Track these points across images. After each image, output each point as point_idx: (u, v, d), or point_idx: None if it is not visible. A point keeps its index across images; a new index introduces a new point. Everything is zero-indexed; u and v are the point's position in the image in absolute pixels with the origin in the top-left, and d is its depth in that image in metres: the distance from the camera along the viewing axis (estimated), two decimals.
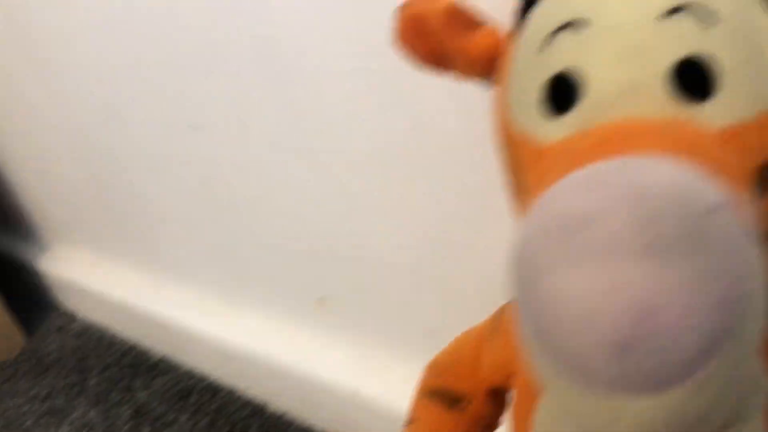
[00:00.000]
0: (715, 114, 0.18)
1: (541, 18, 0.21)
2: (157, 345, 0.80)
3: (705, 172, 0.16)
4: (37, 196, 0.91)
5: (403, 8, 0.27)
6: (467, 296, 0.44)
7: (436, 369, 0.34)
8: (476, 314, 0.41)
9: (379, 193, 0.45)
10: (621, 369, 0.15)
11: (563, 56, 0.20)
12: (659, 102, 0.19)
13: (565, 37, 0.20)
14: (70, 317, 0.96)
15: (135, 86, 0.60)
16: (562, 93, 0.20)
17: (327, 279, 0.54)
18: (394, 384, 0.53)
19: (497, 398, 0.31)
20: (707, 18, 0.18)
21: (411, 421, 0.34)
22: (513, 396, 0.29)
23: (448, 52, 0.26)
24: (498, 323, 0.31)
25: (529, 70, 0.21)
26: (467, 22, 0.26)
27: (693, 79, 0.18)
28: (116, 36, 0.58)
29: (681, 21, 0.18)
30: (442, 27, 0.25)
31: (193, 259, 0.68)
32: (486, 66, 0.26)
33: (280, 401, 0.65)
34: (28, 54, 0.70)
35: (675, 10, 0.19)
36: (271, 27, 0.45)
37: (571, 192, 0.16)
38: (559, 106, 0.20)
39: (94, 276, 0.87)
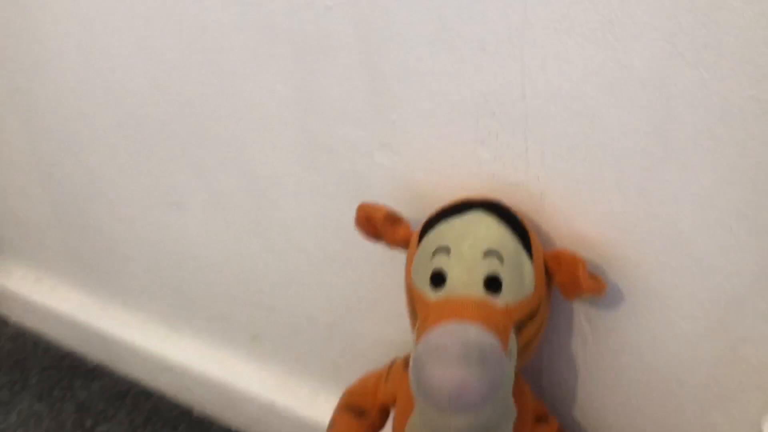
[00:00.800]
0: (500, 301, 0.44)
1: (430, 241, 0.46)
2: (95, 353, 0.97)
3: (491, 330, 0.42)
4: None
5: (359, 209, 0.51)
6: (363, 348, 0.68)
7: (349, 394, 0.57)
8: (367, 362, 0.67)
9: (309, 266, 0.68)
10: (451, 407, 0.40)
11: (439, 263, 0.45)
12: (478, 293, 0.44)
13: (440, 253, 0.45)
14: (2, 322, 1.10)
15: (111, 146, 0.78)
16: (437, 278, 0.45)
17: (263, 322, 0.76)
18: (303, 399, 0.76)
19: (385, 414, 0.56)
20: (501, 258, 0.44)
21: (331, 427, 0.57)
22: (394, 414, 0.54)
23: (383, 235, 0.51)
24: (389, 373, 0.55)
25: (424, 264, 0.46)
26: (394, 220, 0.51)
27: (493, 283, 0.44)
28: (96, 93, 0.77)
29: (490, 259, 0.44)
30: (380, 223, 0.50)
31: (146, 292, 0.88)
32: (402, 245, 0.51)
33: (205, 407, 0.86)
34: (6, 86, 0.84)
35: (488, 253, 0.44)
36: (240, 129, 0.67)
37: (436, 336, 0.41)
38: (436, 284, 0.45)
39: (37, 290, 1.02)
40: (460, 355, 0.40)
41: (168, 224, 0.77)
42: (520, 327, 0.44)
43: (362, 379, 0.58)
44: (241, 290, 0.76)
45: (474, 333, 0.41)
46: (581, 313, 0.52)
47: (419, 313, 0.47)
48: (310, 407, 0.76)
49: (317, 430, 0.75)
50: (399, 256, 0.53)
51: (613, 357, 0.52)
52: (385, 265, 0.62)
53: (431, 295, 0.45)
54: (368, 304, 0.67)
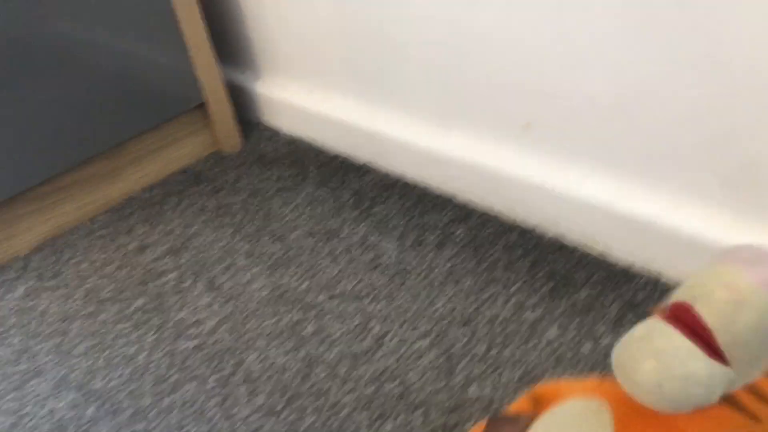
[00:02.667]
0: None
1: None
2: (363, 152, 1.11)
3: None
4: (265, 29, 1.20)
5: None
6: (645, 128, 0.74)
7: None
8: (645, 141, 0.73)
9: (594, 43, 0.74)
10: None
11: None
12: None
13: None
14: (276, 132, 1.27)
15: None
16: None
17: (538, 109, 0.84)
18: (572, 181, 0.85)
19: None
20: None
21: None
22: None
23: None
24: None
25: None
26: None
27: None
28: None
29: None
30: None
31: (418, 91, 0.98)
32: None
33: (467, 194, 0.97)
34: None
35: None
36: None
37: None
38: None
39: (309, 100, 1.17)
40: None
41: (458, 21, 0.86)
42: None
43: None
44: (520, 79, 0.84)
45: None
46: None
47: None
48: (577, 189, 0.84)
49: (580, 207, 0.83)
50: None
51: None
52: (688, 37, 0.66)
53: None
54: (655, 80, 0.72)
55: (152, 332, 0.87)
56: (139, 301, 0.93)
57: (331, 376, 0.76)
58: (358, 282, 0.88)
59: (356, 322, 0.82)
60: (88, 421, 0.77)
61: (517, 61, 0.83)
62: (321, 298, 0.87)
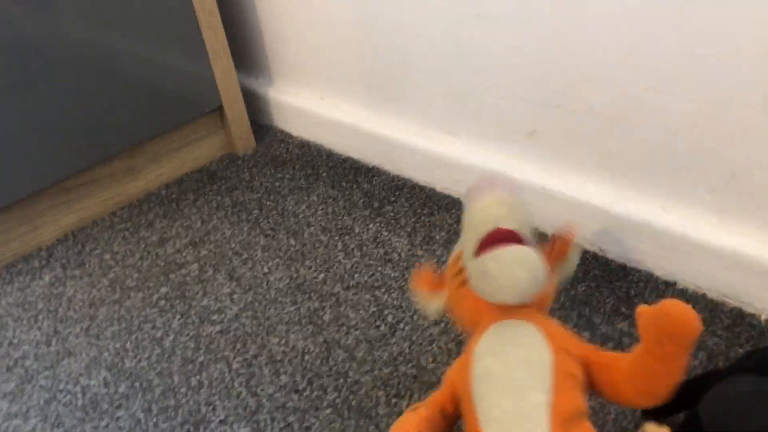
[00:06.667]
0: None
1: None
2: (372, 156, 1.18)
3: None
4: (279, 38, 1.26)
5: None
6: (641, 139, 0.82)
7: None
8: (642, 150, 0.80)
9: (596, 59, 0.82)
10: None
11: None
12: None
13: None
14: (287, 135, 1.33)
15: None
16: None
17: (542, 118, 0.92)
18: (573, 184, 0.92)
19: None
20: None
21: None
22: None
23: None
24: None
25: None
26: None
27: None
28: None
29: None
30: None
31: (427, 101, 1.05)
32: None
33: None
34: None
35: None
36: None
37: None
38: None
39: (321, 106, 1.24)
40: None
41: (467, 34, 0.93)
42: None
43: None
44: (526, 90, 0.91)
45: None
46: None
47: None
48: (577, 193, 0.91)
49: (579, 210, 0.91)
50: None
51: None
52: (678, 56, 0.74)
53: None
54: (651, 94, 0.79)
55: (177, 318, 0.93)
56: (163, 290, 0.98)
57: (349, 358, 0.82)
58: (372, 275, 0.94)
59: (371, 311, 0.88)
60: (121, 397, 0.82)
61: (523, 73, 0.90)
62: (337, 288, 0.93)
